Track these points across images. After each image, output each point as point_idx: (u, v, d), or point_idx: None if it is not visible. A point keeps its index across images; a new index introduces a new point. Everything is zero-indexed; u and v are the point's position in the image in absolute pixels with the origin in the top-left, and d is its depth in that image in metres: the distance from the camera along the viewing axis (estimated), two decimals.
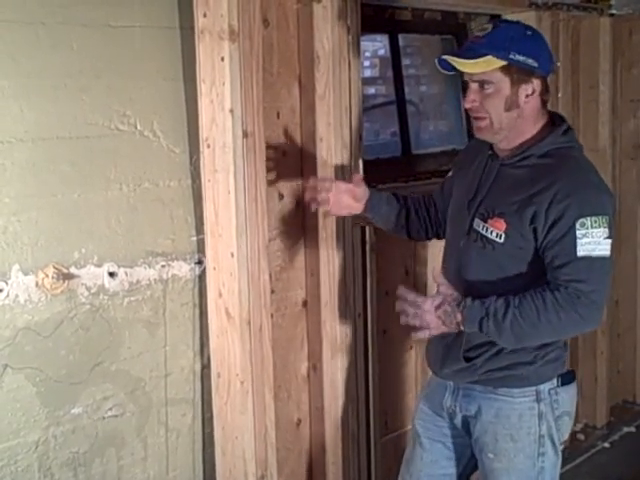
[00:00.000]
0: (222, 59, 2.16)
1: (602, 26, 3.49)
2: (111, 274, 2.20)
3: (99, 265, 2.17)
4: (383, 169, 3.04)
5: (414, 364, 2.89)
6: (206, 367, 2.40)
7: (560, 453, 2.05)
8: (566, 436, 2.06)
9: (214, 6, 2.16)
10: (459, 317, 1.89)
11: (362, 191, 2.18)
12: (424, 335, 1.96)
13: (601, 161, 3.63)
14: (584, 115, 3.58)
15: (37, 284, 2.06)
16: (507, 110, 1.92)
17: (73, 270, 2.12)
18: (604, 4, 3.35)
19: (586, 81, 3.55)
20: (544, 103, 1.96)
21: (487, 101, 1.92)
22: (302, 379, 2.48)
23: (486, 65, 1.89)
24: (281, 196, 2.35)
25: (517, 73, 1.90)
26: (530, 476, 2.00)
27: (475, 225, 1.97)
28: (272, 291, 2.35)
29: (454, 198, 2.13)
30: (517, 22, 2.09)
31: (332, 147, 2.43)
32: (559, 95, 3.33)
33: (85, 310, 2.16)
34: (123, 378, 2.25)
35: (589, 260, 1.82)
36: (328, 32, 2.39)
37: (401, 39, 3.21)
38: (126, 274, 2.23)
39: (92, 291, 2.17)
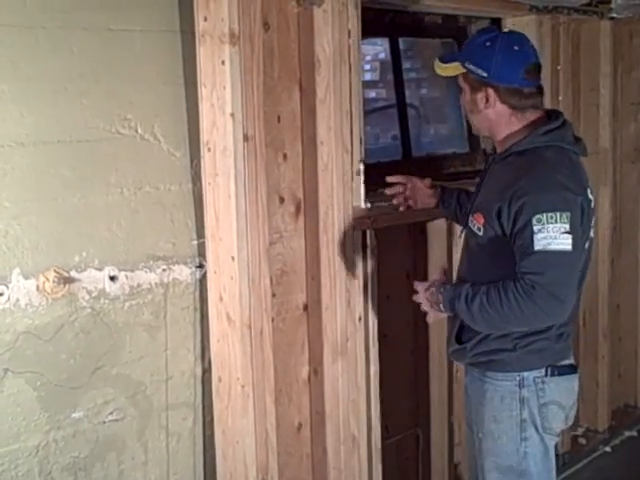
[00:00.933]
0: (223, 63, 2.16)
1: (602, 29, 3.49)
2: (112, 278, 2.20)
3: (100, 269, 2.17)
4: (384, 172, 3.04)
5: (414, 368, 2.89)
6: (207, 371, 2.40)
7: (550, 443, 2.14)
8: (556, 426, 2.14)
9: (215, 10, 2.16)
10: (440, 298, 2.06)
11: (434, 191, 2.48)
12: (429, 319, 2.16)
13: (602, 164, 3.64)
14: (585, 118, 3.58)
15: (38, 288, 2.06)
16: (472, 112, 2.15)
17: (74, 274, 2.12)
18: (604, 7, 3.35)
19: (587, 84, 3.56)
20: (516, 108, 2.07)
21: (463, 103, 2.19)
22: (303, 383, 2.48)
23: (451, 70, 2.14)
24: (282, 200, 2.35)
25: (473, 81, 2.09)
26: (514, 459, 2.12)
27: (468, 219, 2.16)
28: (273, 295, 2.34)
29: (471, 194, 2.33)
30: (489, 32, 2.17)
31: (333, 151, 2.43)
32: (560, 98, 3.34)
33: (86, 314, 2.15)
34: (124, 382, 2.25)
35: (544, 254, 1.92)
36: (329, 36, 2.39)
37: (402, 43, 3.22)
38: (127, 278, 2.23)
39: (93, 295, 2.16)
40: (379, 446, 2.73)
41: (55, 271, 2.08)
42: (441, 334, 2.92)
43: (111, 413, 2.23)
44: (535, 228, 1.92)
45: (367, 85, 3.19)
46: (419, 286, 2.15)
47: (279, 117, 2.32)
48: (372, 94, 3.31)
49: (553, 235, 1.91)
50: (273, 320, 2.35)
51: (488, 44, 2.06)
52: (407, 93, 3.24)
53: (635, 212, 3.94)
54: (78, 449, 2.17)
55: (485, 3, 2.99)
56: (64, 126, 2.08)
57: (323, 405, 2.50)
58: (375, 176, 2.90)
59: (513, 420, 2.10)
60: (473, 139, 3.43)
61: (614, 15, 3.41)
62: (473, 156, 3.41)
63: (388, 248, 2.73)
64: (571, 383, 2.16)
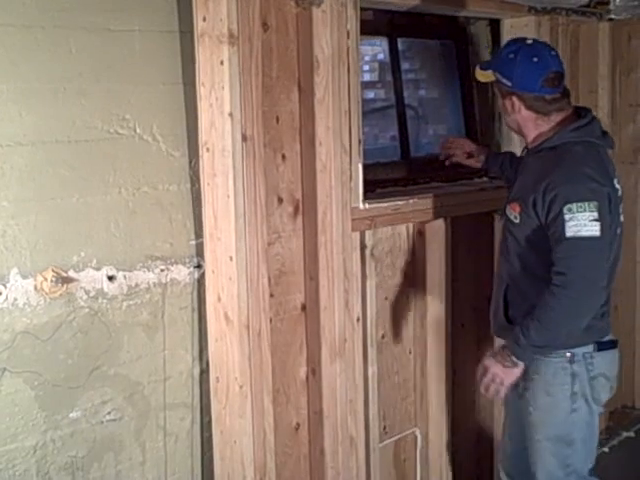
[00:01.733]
0: (221, 63, 2.16)
1: (601, 31, 3.49)
2: (110, 278, 2.20)
3: (98, 269, 2.17)
4: (382, 173, 3.04)
5: (412, 369, 2.89)
6: (205, 371, 2.40)
7: (596, 413, 2.34)
8: (604, 397, 2.34)
9: (213, 10, 2.16)
10: (507, 353, 2.23)
11: (479, 157, 2.77)
12: (501, 393, 2.30)
13: None
14: None
15: (36, 288, 2.06)
16: (504, 115, 2.41)
17: (72, 274, 2.12)
18: (603, 9, 3.36)
19: (585, 85, 3.56)
20: (540, 112, 2.27)
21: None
22: (301, 383, 2.48)
23: (485, 77, 2.39)
24: (280, 200, 2.35)
25: (501, 89, 2.33)
26: (563, 429, 2.30)
27: (506, 207, 2.37)
28: (271, 295, 2.34)
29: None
30: (515, 43, 2.36)
31: (331, 151, 2.43)
32: None
33: (84, 314, 2.15)
34: (122, 382, 2.25)
35: (575, 240, 2.12)
36: (327, 36, 2.39)
37: (400, 43, 3.21)
38: (125, 278, 2.23)
39: (91, 295, 2.16)
40: (377, 446, 2.74)
41: (53, 271, 2.08)
42: (439, 335, 2.92)
43: (109, 413, 2.23)
44: (566, 217, 2.12)
45: (366, 85, 3.19)
46: (487, 360, 2.28)
47: (278, 117, 2.32)
48: (371, 95, 3.31)
49: (582, 223, 2.11)
50: (271, 320, 2.35)
51: (511, 56, 2.27)
52: (406, 94, 3.24)
53: (633, 213, 3.94)
54: (76, 449, 2.17)
55: (483, 4, 2.99)
56: (63, 126, 2.08)
57: (321, 405, 2.50)
58: (373, 176, 2.91)
59: (565, 393, 2.27)
60: (472, 140, 3.43)
61: (613, 16, 3.41)
62: None
63: (386, 249, 2.73)
64: (614, 356, 2.37)
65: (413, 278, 2.84)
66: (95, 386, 2.19)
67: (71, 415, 2.15)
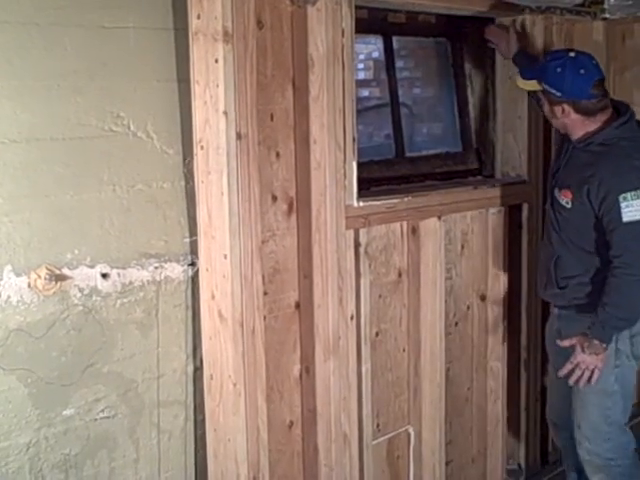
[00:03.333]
0: (216, 61, 2.16)
1: (595, 30, 3.49)
2: (104, 275, 2.20)
3: (92, 266, 2.17)
4: (377, 171, 3.04)
5: (406, 366, 2.89)
6: (198, 369, 2.40)
7: (634, 370, 2.71)
8: None
9: (208, 8, 2.16)
10: (594, 341, 2.55)
11: (512, 48, 3.01)
12: (595, 376, 2.60)
13: None
14: None
15: (29, 285, 2.06)
16: (551, 118, 2.71)
17: (66, 271, 2.12)
18: (597, 8, 3.35)
19: None
20: (588, 113, 2.57)
21: (544, 110, 2.74)
22: (294, 381, 2.48)
23: (531, 86, 2.70)
24: (274, 198, 2.35)
25: (549, 97, 2.62)
26: (607, 383, 2.63)
27: (555, 192, 2.69)
28: (265, 293, 2.35)
29: (550, 167, 2.88)
30: (560, 57, 2.62)
31: (326, 149, 2.43)
32: None
33: (78, 311, 2.15)
34: (115, 380, 2.25)
35: (633, 224, 2.46)
36: (322, 34, 2.39)
37: (395, 42, 3.21)
38: (119, 275, 2.23)
39: (85, 292, 2.16)
40: (370, 444, 2.74)
41: (47, 268, 2.08)
42: (433, 332, 2.93)
43: (102, 411, 2.23)
44: (622, 205, 2.45)
45: (360, 84, 3.18)
46: (579, 356, 2.59)
47: (272, 115, 2.32)
48: (365, 93, 3.31)
49: (637, 208, 2.45)
50: (265, 318, 2.35)
51: (559, 70, 2.56)
52: (400, 92, 3.24)
53: None
54: (69, 446, 2.17)
55: (478, 3, 2.99)
56: (57, 123, 2.07)
57: (315, 403, 2.51)
58: (368, 175, 2.91)
59: (610, 350, 2.59)
60: (466, 139, 3.43)
61: (607, 16, 3.40)
62: (466, 155, 3.41)
63: (380, 247, 2.73)
64: None
65: (407, 276, 2.84)
66: (89, 384, 2.19)
67: (64, 413, 2.15)
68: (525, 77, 2.73)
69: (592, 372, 2.59)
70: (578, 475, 2.99)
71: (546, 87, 2.61)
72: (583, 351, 2.58)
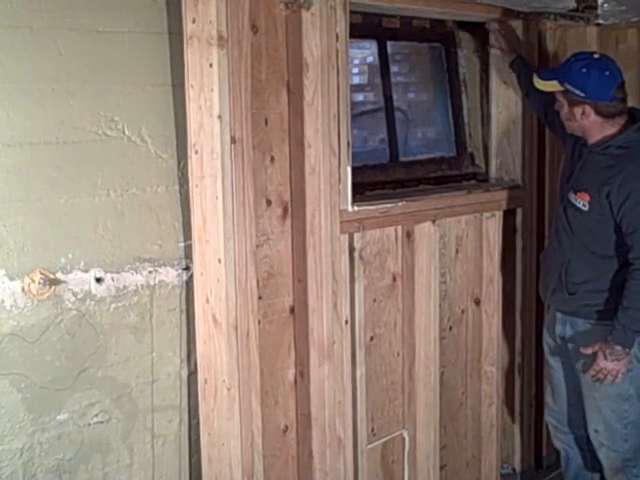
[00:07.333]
0: (210, 65, 2.16)
1: (589, 35, 3.50)
2: (98, 280, 2.19)
3: (86, 270, 2.17)
4: (371, 176, 3.05)
5: (401, 371, 2.89)
6: (193, 373, 2.40)
7: None
8: None
9: (203, 12, 2.16)
10: (617, 347, 2.56)
11: (509, 56, 3.08)
12: (619, 377, 2.61)
13: None
14: None
15: (23, 289, 2.05)
16: (569, 121, 2.67)
17: (60, 275, 2.12)
18: (591, 13, 3.37)
19: None
20: (607, 115, 2.57)
21: (560, 112, 2.69)
22: (289, 385, 2.48)
23: (551, 87, 2.66)
24: (269, 202, 2.35)
25: (571, 98, 2.60)
26: (621, 388, 2.65)
27: (569, 195, 2.67)
28: (259, 297, 2.34)
29: (561, 172, 2.89)
30: (584, 58, 2.63)
31: (320, 154, 2.43)
32: None
33: (71, 316, 2.15)
34: (109, 384, 2.24)
35: None
36: (317, 39, 2.39)
37: (389, 46, 3.22)
38: (113, 280, 2.22)
39: (79, 297, 2.16)
40: (365, 448, 2.74)
41: (41, 272, 2.08)
42: (427, 337, 2.93)
43: (96, 415, 2.22)
44: None
45: (355, 88, 3.19)
46: (602, 362, 2.59)
47: (267, 120, 2.32)
48: (360, 97, 3.31)
49: None
50: (259, 322, 2.35)
51: (584, 70, 2.56)
52: (395, 97, 3.25)
53: None
54: (63, 451, 2.17)
55: (472, 8, 3.00)
56: (51, 127, 2.07)
57: (309, 407, 2.51)
58: (362, 179, 2.91)
59: None
60: (460, 143, 3.44)
61: (600, 21, 3.42)
62: (460, 160, 3.42)
63: (374, 251, 2.73)
64: None
65: (401, 280, 2.84)
66: (82, 388, 2.19)
67: (58, 417, 2.15)
68: (544, 78, 2.70)
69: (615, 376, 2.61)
70: (578, 476, 3.03)
71: (569, 87, 2.58)
72: (605, 358, 2.58)
